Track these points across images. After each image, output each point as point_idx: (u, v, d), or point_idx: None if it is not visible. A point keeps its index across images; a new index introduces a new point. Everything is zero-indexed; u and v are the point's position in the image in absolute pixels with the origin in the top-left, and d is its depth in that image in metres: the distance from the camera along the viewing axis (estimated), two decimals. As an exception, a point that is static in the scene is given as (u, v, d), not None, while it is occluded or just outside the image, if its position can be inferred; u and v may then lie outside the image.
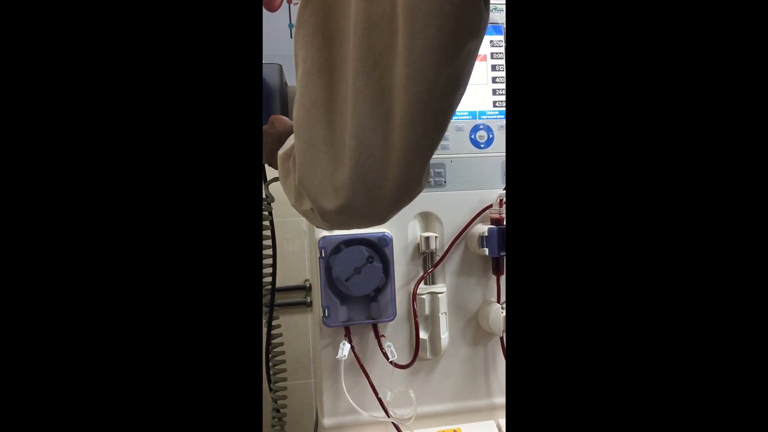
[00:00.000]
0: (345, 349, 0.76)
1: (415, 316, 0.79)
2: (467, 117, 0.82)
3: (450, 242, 0.81)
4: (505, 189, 0.80)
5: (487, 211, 0.81)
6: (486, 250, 0.77)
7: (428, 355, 0.81)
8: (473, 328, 0.83)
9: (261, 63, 0.60)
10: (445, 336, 0.81)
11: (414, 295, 0.79)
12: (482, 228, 0.79)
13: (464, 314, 0.83)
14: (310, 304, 1.41)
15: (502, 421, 0.84)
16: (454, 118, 0.79)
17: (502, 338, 0.82)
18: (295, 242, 1.42)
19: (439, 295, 0.80)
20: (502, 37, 0.83)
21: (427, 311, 0.80)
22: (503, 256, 0.79)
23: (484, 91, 0.82)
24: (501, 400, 0.85)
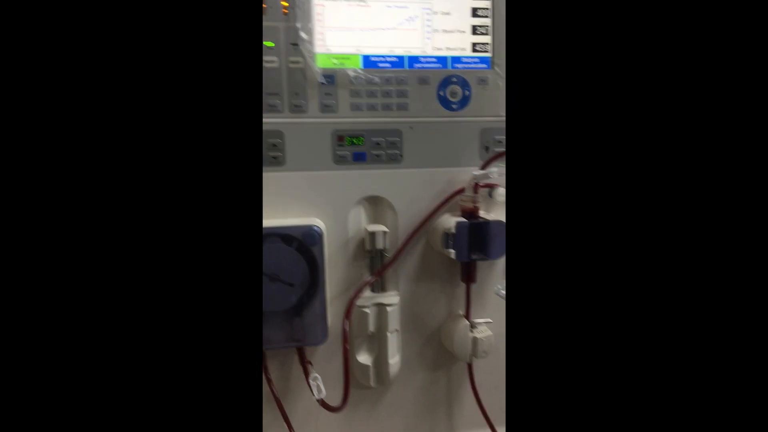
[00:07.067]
0: (256, 385, 0.55)
1: (345, 341, 0.58)
2: (435, 64, 0.58)
3: (405, 238, 0.60)
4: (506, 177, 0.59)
5: (458, 197, 0.60)
6: (452, 252, 0.56)
7: (372, 383, 0.61)
8: (434, 349, 0.64)
9: (261, 41, 0.54)
10: (395, 360, 0.61)
11: (349, 309, 0.58)
12: (449, 221, 0.57)
13: (422, 331, 0.63)
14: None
15: (466, 468, 0.66)
16: (415, 63, 0.57)
17: (469, 363, 0.63)
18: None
19: (389, 308, 0.60)
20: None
21: (372, 328, 0.60)
22: (475, 260, 0.59)
23: (461, 32, 0.59)
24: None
